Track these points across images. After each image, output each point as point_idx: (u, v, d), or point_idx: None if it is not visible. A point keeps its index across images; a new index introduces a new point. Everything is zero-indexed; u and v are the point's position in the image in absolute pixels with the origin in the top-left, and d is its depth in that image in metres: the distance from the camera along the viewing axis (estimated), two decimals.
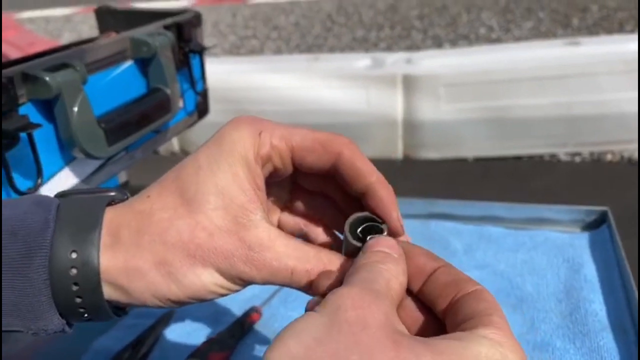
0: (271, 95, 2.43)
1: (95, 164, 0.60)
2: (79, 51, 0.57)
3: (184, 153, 2.67)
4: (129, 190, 0.49)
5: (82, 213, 0.29)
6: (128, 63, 0.63)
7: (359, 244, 0.30)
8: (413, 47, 3.85)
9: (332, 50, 4.02)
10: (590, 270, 0.60)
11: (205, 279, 0.29)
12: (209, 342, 0.52)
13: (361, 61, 2.51)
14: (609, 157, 2.34)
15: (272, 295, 0.59)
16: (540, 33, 3.95)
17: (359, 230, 0.30)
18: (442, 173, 2.33)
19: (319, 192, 0.34)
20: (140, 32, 0.64)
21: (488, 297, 0.27)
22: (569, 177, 2.23)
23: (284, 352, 0.23)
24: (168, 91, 0.66)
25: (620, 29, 3.90)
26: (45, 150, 0.53)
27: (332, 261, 0.30)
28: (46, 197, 0.30)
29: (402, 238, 0.31)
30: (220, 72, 2.42)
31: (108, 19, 0.77)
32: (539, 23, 4.24)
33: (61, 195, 0.30)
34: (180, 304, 0.30)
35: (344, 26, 4.70)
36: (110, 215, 0.29)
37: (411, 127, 2.38)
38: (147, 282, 0.29)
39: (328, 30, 4.60)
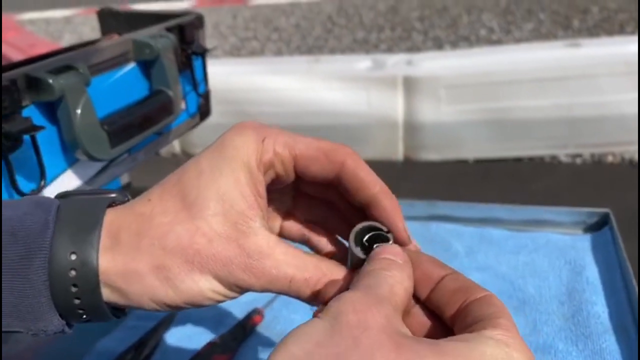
0: (272, 96, 2.43)
1: (98, 166, 0.60)
2: (82, 53, 0.57)
3: (185, 154, 2.67)
4: (131, 192, 0.50)
5: (82, 214, 0.29)
6: (130, 65, 0.63)
7: (363, 256, 0.30)
8: (414, 48, 3.85)
9: (332, 51, 4.02)
10: (592, 272, 0.59)
11: (202, 286, 0.29)
12: (211, 345, 0.52)
13: (362, 63, 2.51)
14: (609, 158, 2.34)
15: (274, 298, 0.59)
16: (540, 34, 3.95)
17: (364, 239, 0.30)
18: (443, 174, 2.32)
19: (322, 199, 0.34)
20: (142, 34, 0.64)
21: (497, 302, 0.27)
22: (570, 178, 2.23)
23: (286, 357, 0.24)
24: (170, 93, 0.66)
25: (620, 30, 3.89)
26: (48, 153, 0.53)
27: (332, 270, 0.30)
28: (46, 198, 0.30)
29: (410, 247, 0.31)
30: (221, 74, 2.41)
31: (110, 21, 0.77)
32: (539, 24, 4.24)
33: (61, 196, 0.30)
34: (177, 308, 0.30)
35: (344, 28, 4.70)
36: (111, 217, 0.29)
37: (412, 128, 2.38)
38: (145, 285, 0.29)
39: (328, 32, 4.60)
